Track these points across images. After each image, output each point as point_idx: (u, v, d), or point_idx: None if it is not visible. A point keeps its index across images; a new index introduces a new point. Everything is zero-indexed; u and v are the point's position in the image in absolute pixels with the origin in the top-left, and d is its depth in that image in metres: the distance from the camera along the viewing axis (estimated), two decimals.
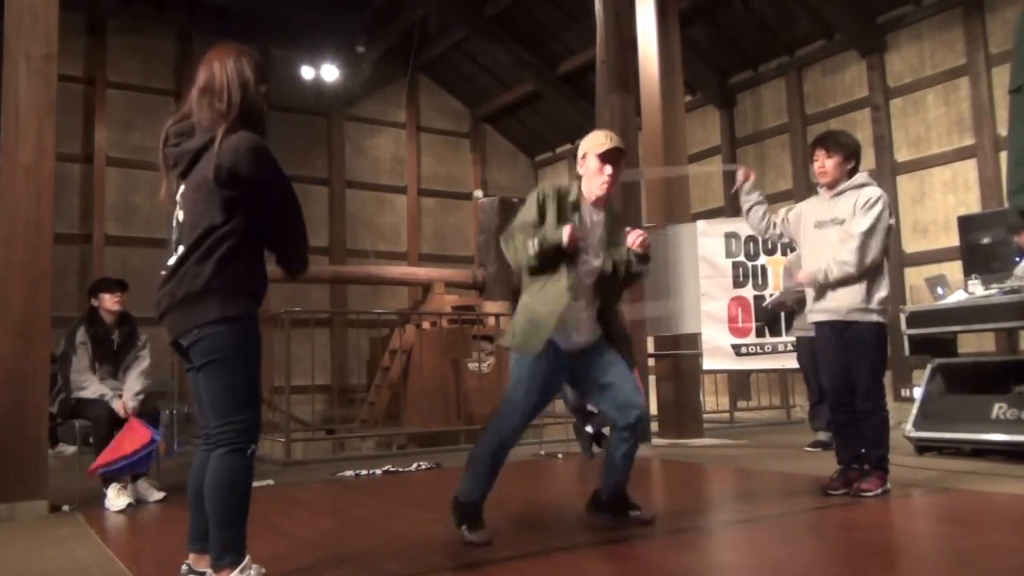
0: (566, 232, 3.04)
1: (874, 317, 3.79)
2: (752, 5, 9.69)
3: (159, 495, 4.35)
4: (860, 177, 3.92)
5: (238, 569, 2.36)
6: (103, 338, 4.65)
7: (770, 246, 6.50)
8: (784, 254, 6.18)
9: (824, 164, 3.91)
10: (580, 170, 3.41)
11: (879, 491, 3.77)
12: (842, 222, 3.84)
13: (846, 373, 3.86)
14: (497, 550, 2.96)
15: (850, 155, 3.91)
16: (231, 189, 2.37)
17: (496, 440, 3.20)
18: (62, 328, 4.70)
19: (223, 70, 2.47)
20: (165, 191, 2.57)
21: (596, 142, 3.36)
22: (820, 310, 3.93)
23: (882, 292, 3.81)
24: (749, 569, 2.77)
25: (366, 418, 8.74)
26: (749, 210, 4.15)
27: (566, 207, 3.25)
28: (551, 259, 3.13)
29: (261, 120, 2.51)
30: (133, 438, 4.26)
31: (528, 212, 3.26)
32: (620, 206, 3.50)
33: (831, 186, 3.92)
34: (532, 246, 3.09)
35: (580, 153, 3.41)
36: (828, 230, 3.89)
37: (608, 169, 3.29)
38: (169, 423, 7.81)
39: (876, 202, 3.78)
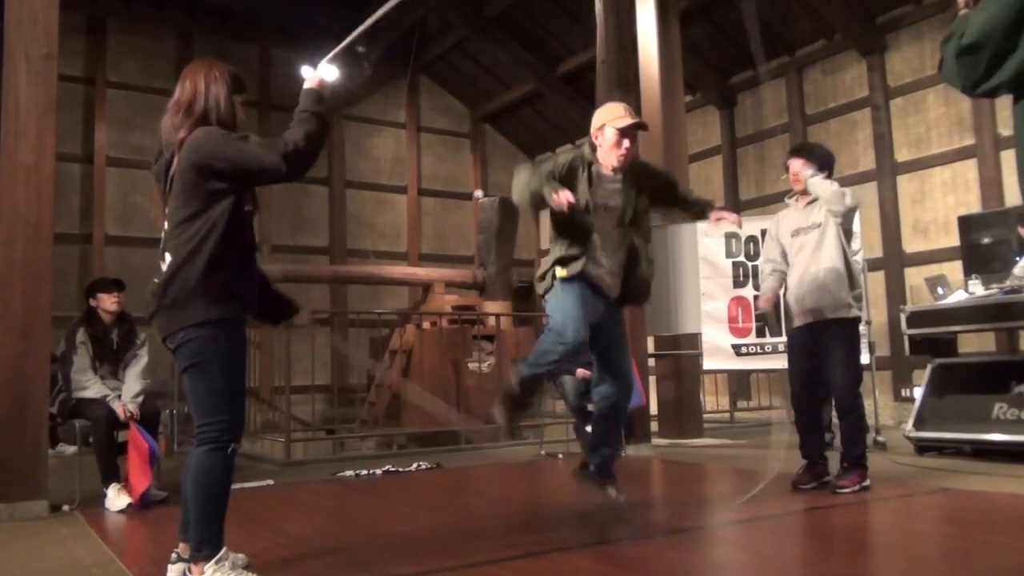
0: (559, 196, 3.13)
1: (846, 320, 3.97)
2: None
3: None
4: None
5: (213, 560, 2.44)
6: (102, 338, 4.66)
7: None
8: None
9: (798, 172, 4.09)
10: (596, 140, 3.47)
11: (857, 487, 3.87)
12: (818, 225, 4.01)
13: (812, 376, 4.05)
14: (497, 550, 2.96)
15: (823, 165, 4.10)
16: (206, 180, 2.43)
17: (539, 353, 3.33)
18: (62, 328, 4.70)
19: (193, 85, 2.55)
20: (158, 209, 2.63)
21: (615, 115, 3.43)
22: (798, 314, 4.07)
23: (853, 295, 3.98)
24: (749, 569, 2.77)
25: (366, 418, 8.74)
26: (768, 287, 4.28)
27: (581, 171, 3.37)
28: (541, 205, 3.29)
29: (234, 129, 2.57)
30: (142, 454, 4.28)
31: (549, 163, 3.38)
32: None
33: (804, 193, 4.12)
34: (529, 187, 3.23)
35: (597, 123, 3.47)
36: (806, 236, 4.06)
37: (626, 143, 3.39)
38: (169, 423, 7.83)
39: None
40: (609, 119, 3.42)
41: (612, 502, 3.59)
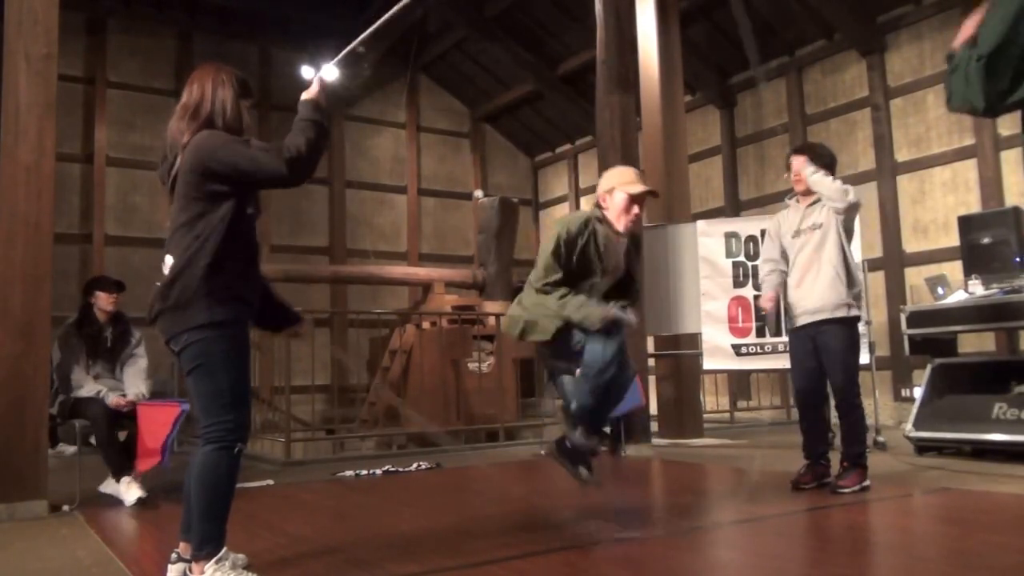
0: (603, 316, 3.06)
1: (845, 320, 3.98)
2: (752, 5, 9.68)
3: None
4: None
5: (214, 560, 2.45)
6: (96, 336, 4.67)
7: None
8: None
9: (799, 170, 4.08)
10: (603, 203, 3.40)
11: (858, 487, 3.87)
12: (820, 226, 4.02)
13: (816, 376, 4.05)
14: (497, 550, 2.96)
15: (824, 165, 4.09)
16: (206, 182, 2.46)
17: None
18: None
19: (201, 88, 2.58)
20: (166, 211, 2.69)
21: (626, 179, 3.37)
22: (799, 315, 4.08)
23: (852, 297, 4.00)
24: (749, 569, 2.77)
25: (366, 418, 8.74)
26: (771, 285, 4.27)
27: (591, 239, 3.28)
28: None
29: (240, 133, 2.58)
30: (158, 421, 4.28)
31: (552, 261, 3.25)
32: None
33: (805, 193, 4.12)
34: (562, 312, 3.15)
35: (605, 186, 3.40)
36: (807, 237, 4.07)
37: (635, 209, 3.33)
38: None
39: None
40: (620, 183, 3.35)
41: (585, 483, 3.35)
